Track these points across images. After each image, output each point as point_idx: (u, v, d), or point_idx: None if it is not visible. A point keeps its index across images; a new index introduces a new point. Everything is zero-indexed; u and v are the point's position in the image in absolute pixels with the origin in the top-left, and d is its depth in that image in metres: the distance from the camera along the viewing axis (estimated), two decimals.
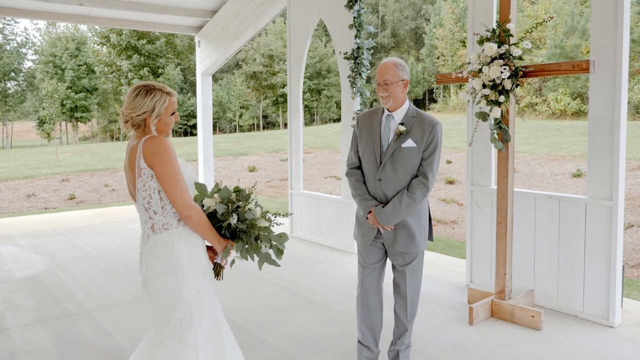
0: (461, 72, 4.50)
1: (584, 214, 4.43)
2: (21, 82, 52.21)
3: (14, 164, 24.64)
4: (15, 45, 51.04)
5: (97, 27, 41.53)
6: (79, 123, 53.37)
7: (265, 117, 58.85)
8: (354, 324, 4.09)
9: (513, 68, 4.13)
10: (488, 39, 4.24)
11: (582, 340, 4.05)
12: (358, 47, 6.36)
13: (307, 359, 3.84)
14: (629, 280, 7.17)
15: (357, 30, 6.35)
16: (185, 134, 53.30)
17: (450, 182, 16.54)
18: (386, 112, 3.37)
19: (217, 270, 2.76)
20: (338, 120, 50.06)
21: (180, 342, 2.51)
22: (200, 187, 2.72)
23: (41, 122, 42.49)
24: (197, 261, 2.59)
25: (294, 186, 7.94)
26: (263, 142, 31.96)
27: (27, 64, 54.74)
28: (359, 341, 3.58)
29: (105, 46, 42.20)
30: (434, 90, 52.43)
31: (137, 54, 41.32)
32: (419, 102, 54.84)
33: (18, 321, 4.69)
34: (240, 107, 49.35)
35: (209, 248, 2.73)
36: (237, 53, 10.38)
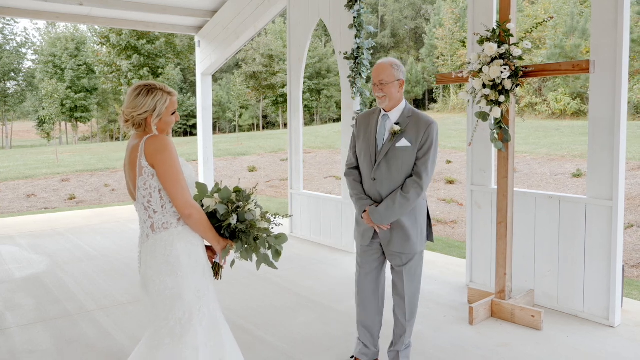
0: (461, 72, 4.50)
1: (584, 214, 4.43)
2: (21, 82, 52.21)
3: (14, 164, 24.64)
4: (15, 45, 51.05)
5: (97, 27, 41.53)
6: (78, 123, 53.37)
7: (265, 117, 58.85)
8: (354, 324, 4.09)
9: (513, 68, 4.13)
10: (488, 39, 4.24)
11: (582, 340, 4.05)
12: (358, 47, 6.36)
13: (307, 359, 3.84)
14: (629, 280, 7.17)
15: (357, 30, 6.36)
16: (185, 134, 53.30)
17: (450, 182, 16.54)
18: (382, 112, 3.39)
19: (216, 270, 2.77)
20: (338, 120, 50.06)
21: (180, 342, 2.51)
22: (200, 186, 2.73)
23: (41, 122, 42.47)
24: (197, 260, 2.59)
25: (294, 186, 7.94)
26: (263, 142, 31.97)
27: (27, 64, 54.78)
28: (358, 338, 3.62)
29: (105, 46, 42.22)
30: (433, 90, 52.43)
31: (137, 54, 41.34)
32: (419, 102, 54.84)
33: (18, 321, 4.69)
34: (240, 107, 49.36)
35: (207, 248, 2.74)
36: (237, 53, 10.38)
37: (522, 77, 4.22)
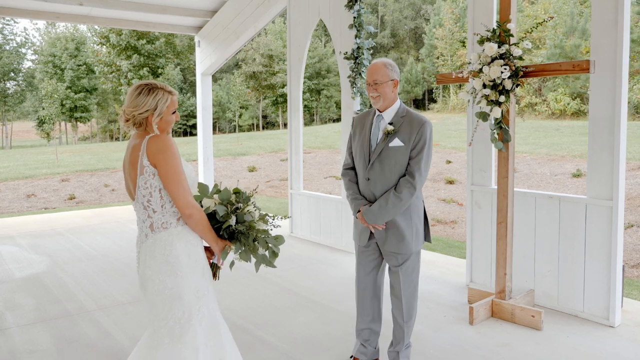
0: (461, 72, 4.50)
1: (584, 214, 4.43)
2: (21, 82, 52.22)
3: (14, 164, 24.63)
4: (15, 45, 51.04)
5: (96, 27, 41.53)
6: (78, 123, 53.37)
7: (264, 117, 58.86)
8: (353, 324, 4.09)
9: (513, 68, 4.13)
10: (488, 39, 4.24)
11: (582, 340, 4.05)
12: (358, 47, 6.36)
13: (307, 359, 3.85)
14: (629, 280, 7.17)
15: (357, 30, 6.36)
16: (185, 134, 53.31)
17: (450, 182, 16.54)
18: (377, 112, 3.40)
19: (213, 270, 2.77)
20: (338, 120, 50.07)
21: (179, 342, 2.50)
22: (202, 187, 2.74)
23: (41, 122, 42.46)
24: (196, 260, 2.59)
25: (294, 186, 7.94)
26: (263, 142, 31.97)
27: (27, 64, 54.79)
28: (357, 338, 3.63)
29: (104, 46, 42.19)
30: (433, 90, 52.42)
31: (137, 54, 41.32)
32: (419, 102, 54.83)
33: (18, 321, 4.69)
34: (240, 107, 49.37)
35: (205, 248, 2.74)
36: (236, 53, 10.38)
37: (522, 77, 4.22)
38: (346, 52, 6.49)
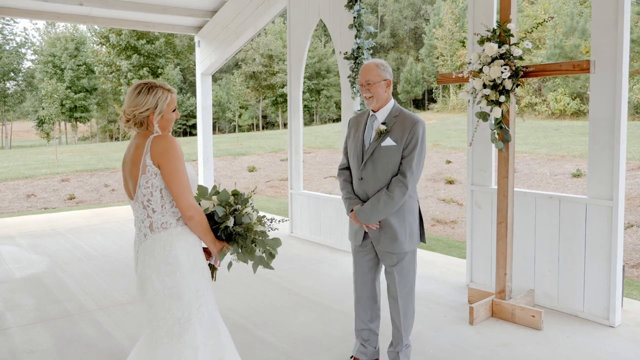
0: (461, 72, 4.50)
1: (584, 214, 4.43)
2: (20, 82, 52.24)
3: (14, 164, 24.63)
4: (15, 45, 51.05)
5: (96, 27, 41.53)
6: (78, 123, 53.39)
7: (264, 117, 58.87)
8: (353, 324, 4.09)
9: (514, 68, 4.13)
10: (488, 39, 4.24)
11: (582, 340, 4.05)
12: (358, 47, 6.36)
13: (307, 359, 3.85)
14: (629, 280, 7.18)
15: (357, 30, 6.36)
16: (185, 134, 53.31)
17: (450, 182, 16.54)
18: (371, 113, 3.41)
19: (211, 271, 2.78)
20: (337, 120, 50.08)
21: (179, 341, 2.50)
22: (201, 189, 2.75)
23: (40, 122, 42.49)
24: (196, 260, 2.59)
25: (294, 186, 7.94)
26: (262, 142, 31.98)
27: (27, 64, 54.82)
28: (357, 338, 3.64)
29: (104, 46, 42.21)
30: (433, 91, 52.42)
31: (137, 54, 41.33)
32: (419, 102, 54.83)
33: (18, 321, 4.69)
34: (240, 107, 49.35)
35: (203, 249, 2.74)
36: (236, 53, 10.38)
37: (522, 77, 4.22)
38: (346, 52, 6.50)
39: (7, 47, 50.05)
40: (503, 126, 4.38)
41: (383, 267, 3.53)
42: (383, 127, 3.29)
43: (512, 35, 4.22)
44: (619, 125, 4.17)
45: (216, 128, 56.48)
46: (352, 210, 3.40)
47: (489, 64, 4.17)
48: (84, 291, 5.52)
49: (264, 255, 2.73)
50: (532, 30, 4.31)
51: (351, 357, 3.67)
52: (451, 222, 12.16)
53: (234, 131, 50.27)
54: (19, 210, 15.22)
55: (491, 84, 4.19)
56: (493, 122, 4.40)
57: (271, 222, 2.78)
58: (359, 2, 6.34)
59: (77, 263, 6.66)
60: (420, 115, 45.02)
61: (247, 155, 25.62)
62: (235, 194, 2.74)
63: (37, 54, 53.60)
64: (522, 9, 40.23)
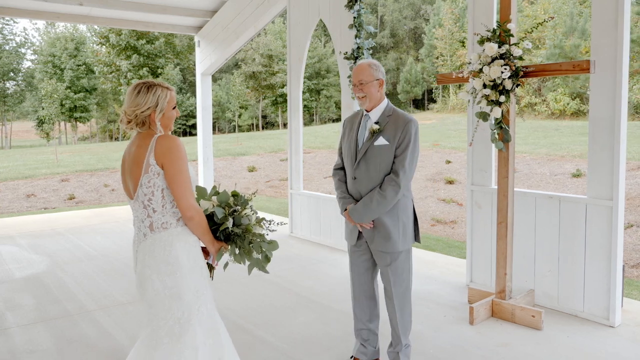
0: (461, 72, 4.50)
1: (584, 214, 4.43)
2: (20, 82, 52.24)
3: (14, 164, 24.63)
4: (14, 45, 51.05)
5: (96, 27, 41.52)
6: (78, 123, 53.38)
7: (264, 117, 58.87)
8: (353, 324, 4.10)
9: (514, 68, 4.13)
10: (489, 39, 4.24)
11: (582, 340, 4.05)
12: (358, 47, 6.36)
13: (307, 359, 3.85)
14: (629, 280, 7.18)
15: (357, 30, 6.36)
16: (185, 134, 53.30)
17: (450, 182, 16.54)
18: (364, 112, 3.43)
19: (208, 270, 2.79)
20: (337, 120, 50.08)
21: (179, 341, 2.51)
22: (199, 190, 2.75)
23: (40, 122, 42.50)
24: (195, 260, 2.60)
25: (293, 186, 7.94)
26: (262, 142, 31.98)
27: (26, 64, 54.83)
28: (357, 338, 3.64)
29: (104, 46, 42.19)
30: (433, 91, 52.42)
31: (137, 54, 41.31)
32: (418, 102, 54.82)
33: (18, 321, 4.69)
34: (240, 107, 49.35)
35: (201, 248, 2.75)
36: (236, 53, 10.39)
37: (522, 77, 4.22)
38: (346, 52, 6.50)
39: (7, 47, 50.05)
40: (503, 126, 4.38)
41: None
42: (376, 127, 3.30)
43: (512, 35, 4.22)
44: (619, 125, 4.18)
45: (216, 128, 56.48)
46: (345, 210, 3.41)
47: (489, 64, 4.18)
48: (84, 291, 5.52)
49: (260, 257, 2.74)
50: (532, 31, 4.32)
51: (351, 357, 3.68)
52: (451, 222, 12.16)
53: (234, 131, 50.28)
54: (18, 210, 15.22)
55: (491, 84, 4.19)
56: (493, 122, 4.40)
57: (270, 224, 2.78)
58: (359, 2, 6.34)
59: (77, 263, 6.66)
60: (420, 115, 45.11)
61: (247, 155, 25.63)
62: (235, 195, 2.74)
63: (36, 54, 53.61)
64: (521, 9, 40.24)
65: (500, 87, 4.17)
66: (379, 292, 3.63)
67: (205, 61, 10.81)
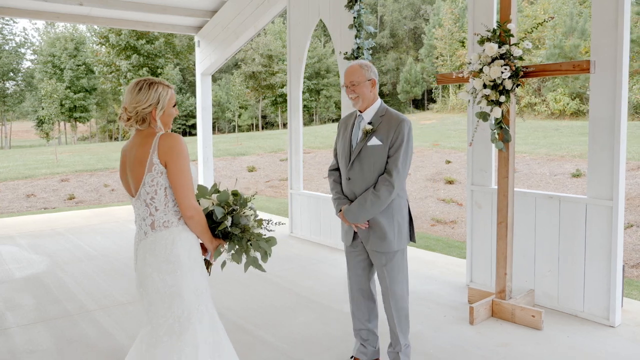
0: (462, 72, 4.51)
1: (584, 214, 4.43)
2: (20, 82, 52.22)
3: (13, 164, 24.62)
4: (14, 45, 51.03)
5: (96, 27, 41.51)
6: (77, 123, 53.37)
7: (264, 117, 58.86)
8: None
9: (514, 68, 4.13)
10: (489, 39, 4.24)
11: (582, 340, 4.05)
12: (358, 47, 6.36)
13: (307, 359, 3.85)
14: (629, 280, 7.18)
15: (357, 31, 6.36)
16: (184, 134, 53.27)
17: (450, 182, 16.54)
18: (358, 113, 3.44)
19: (206, 266, 2.80)
20: (337, 120, 50.05)
21: (179, 339, 2.51)
22: (201, 188, 2.76)
23: (40, 122, 42.51)
24: (196, 259, 2.61)
25: (293, 186, 7.94)
26: (262, 142, 31.97)
27: (26, 64, 54.82)
28: (356, 338, 3.65)
29: (104, 46, 42.16)
30: (433, 91, 52.42)
31: (136, 54, 41.28)
32: (418, 102, 54.82)
33: (18, 321, 4.69)
34: (239, 107, 49.35)
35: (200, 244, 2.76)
36: (236, 53, 10.40)
37: (522, 77, 4.23)
38: (346, 52, 6.50)
39: (7, 47, 50.03)
40: (503, 126, 4.38)
41: None
42: (369, 127, 3.31)
43: (512, 36, 4.22)
44: (619, 125, 4.18)
45: (216, 128, 56.47)
46: (340, 211, 3.42)
47: (489, 64, 4.18)
48: (84, 291, 5.52)
49: (258, 255, 2.75)
50: (532, 31, 4.32)
51: (351, 357, 3.68)
52: (451, 222, 12.16)
53: (234, 131, 50.27)
54: (18, 210, 15.22)
55: (491, 84, 4.19)
56: (493, 122, 4.40)
57: (268, 224, 2.79)
58: (359, 2, 6.34)
59: (77, 263, 6.66)
60: (420, 115, 45.11)
61: (246, 155, 25.62)
62: (235, 194, 2.75)
63: (36, 54, 53.59)
64: (521, 9, 40.24)
65: (501, 87, 4.17)
66: (377, 292, 3.63)
67: (205, 61, 10.81)
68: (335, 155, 3.58)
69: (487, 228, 5.19)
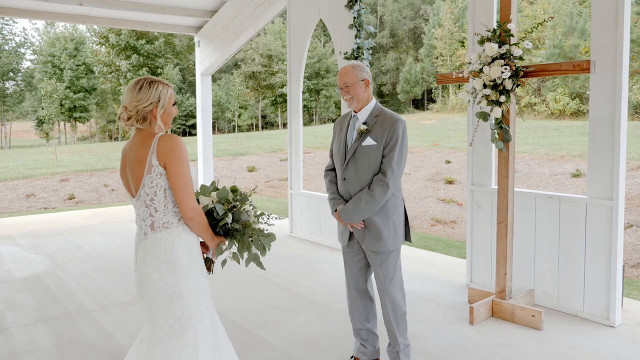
0: (462, 72, 4.51)
1: (584, 214, 4.43)
2: (20, 82, 52.23)
3: (13, 164, 24.62)
4: (14, 45, 51.03)
5: (96, 27, 41.49)
6: (77, 123, 53.36)
7: (264, 117, 58.86)
8: None
9: (514, 68, 4.13)
10: (489, 39, 4.24)
11: (582, 340, 4.05)
12: (358, 47, 6.36)
13: (307, 359, 3.85)
14: (629, 280, 7.18)
15: (357, 30, 6.36)
16: (184, 134, 53.28)
17: (450, 182, 16.54)
18: (353, 113, 3.45)
19: (208, 264, 2.81)
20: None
21: (180, 339, 2.51)
22: (203, 188, 2.77)
23: (40, 122, 42.50)
24: (196, 260, 2.61)
25: (293, 186, 7.93)
26: (262, 142, 31.97)
27: (26, 64, 54.83)
28: (356, 338, 3.65)
29: (104, 46, 42.16)
30: (432, 91, 52.42)
31: (136, 54, 41.27)
32: (418, 102, 54.82)
33: (19, 321, 4.69)
34: (239, 107, 49.34)
35: (200, 243, 2.75)
36: (236, 53, 10.41)
37: (522, 77, 4.23)
38: (346, 52, 6.50)
39: (6, 47, 50.03)
40: (503, 126, 4.38)
41: None
42: (364, 127, 3.32)
43: (512, 35, 4.22)
44: (619, 125, 4.18)
45: (215, 128, 56.47)
46: (336, 211, 3.43)
47: (489, 64, 4.18)
48: (84, 291, 5.52)
49: (258, 252, 2.76)
50: (532, 31, 4.31)
51: (351, 357, 3.68)
52: (451, 222, 12.16)
53: (234, 131, 50.27)
54: (18, 210, 15.22)
55: (491, 84, 4.19)
56: (493, 122, 4.40)
57: (268, 218, 2.80)
58: (359, 2, 6.34)
59: (77, 263, 6.66)
60: (420, 115, 45.10)
61: (246, 155, 25.62)
62: (234, 190, 2.75)
63: (36, 54, 53.58)
64: (521, 9, 40.24)
65: (501, 87, 4.17)
66: (374, 291, 3.63)
67: (205, 61, 10.81)
68: (331, 156, 3.60)
69: (487, 228, 5.19)
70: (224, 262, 2.83)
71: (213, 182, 2.81)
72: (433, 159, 20.49)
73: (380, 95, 57.06)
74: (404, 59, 57.27)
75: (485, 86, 4.23)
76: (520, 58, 4.18)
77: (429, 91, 53.80)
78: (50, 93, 31.63)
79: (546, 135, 24.74)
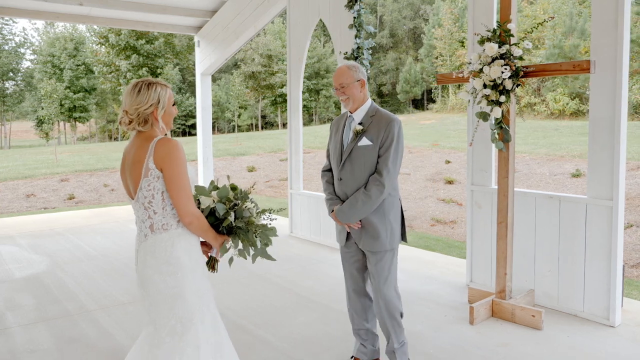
0: (462, 72, 4.51)
1: (584, 214, 4.43)
2: (19, 82, 52.22)
3: (13, 164, 24.62)
4: (14, 45, 51.02)
5: (96, 27, 41.49)
6: (77, 123, 53.36)
7: (263, 117, 58.86)
8: None
9: (514, 68, 4.13)
10: (489, 39, 4.24)
11: (582, 340, 4.06)
12: (358, 47, 6.37)
13: (307, 359, 3.85)
14: (629, 280, 7.19)
15: (357, 30, 6.36)
16: (184, 134, 53.29)
17: (450, 182, 16.54)
18: (348, 114, 3.45)
19: (212, 263, 2.80)
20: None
21: (181, 340, 2.51)
22: (199, 189, 2.75)
23: (40, 122, 42.49)
24: (197, 260, 2.61)
25: (293, 186, 7.94)
26: (262, 142, 31.97)
27: (26, 64, 54.81)
28: (356, 338, 3.66)
29: (103, 46, 42.16)
30: (432, 91, 52.43)
31: (136, 54, 41.28)
32: (418, 102, 54.82)
33: (19, 321, 4.69)
34: (239, 107, 49.35)
35: (202, 242, 2.75)
36: (236, 53, 10.41)
37: (522, 77, 4.23)
38: (346, 52, 6.50)
39: (6, 47, 50.03)
40: (503, 126, 4.38)
41: None
42: (359, 127, 3.33)
43: (512, 35, 4.22)
44: (619, 125, 4.18)
45: (215, 128, 56.45)
46: (332, 211, 3.43)
47: (489, 64, 4.18)
48: (84, 291, 5.52)
49: (263, 246, 2.76)
50: (532, 31, 4.32)
51: (351, 357, 3.68)
52: (451, 222, 12.16)
53: (233, 131, 50.28)
54: (18, 210, 15.22)
55: (491, 84, 4.19)
56: (493, 122, 4.40)
57: (270, 214, 2.80)
58: (358, 2, 6.34)
59: (77, 263, 6.66)
60: (420, 115, 45.10)
61: (246, 155, 25.62)
62: (234, 188, 2.75)
63: (36, 54, 53.57)
64: (521, 9, 40.24)
65: (501, 87, 4.17)
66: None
67: (205, 61, 10.81)
68: (328, 157, 3.60)
69: (487, 228, 5.19)
70: (230, 260, 2.81)
71: (212, 182, 2.80)
72: (433, 159, 20.49)
73: (380, 95, 57.11)
74: (404, 59, 57.27)
75: (485, 86, 4.23)
76: (520, 58, 4.18)
77: (429, 91, 53.80)
78: (50, 93, 31.63)
79: (546, 135, 24.74)
